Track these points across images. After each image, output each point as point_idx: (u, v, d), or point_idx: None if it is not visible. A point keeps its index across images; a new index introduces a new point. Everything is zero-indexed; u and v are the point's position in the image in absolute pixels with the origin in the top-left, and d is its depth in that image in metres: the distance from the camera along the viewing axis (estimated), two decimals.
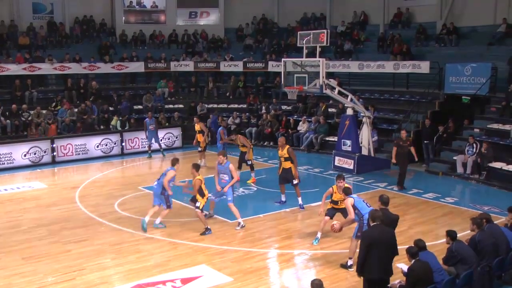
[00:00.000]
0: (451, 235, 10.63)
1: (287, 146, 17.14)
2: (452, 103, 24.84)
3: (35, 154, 24.50)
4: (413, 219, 16.02)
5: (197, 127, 23.88)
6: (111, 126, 28.68)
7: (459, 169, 21.62)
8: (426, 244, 10.27)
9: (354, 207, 12.30)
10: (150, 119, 26.21)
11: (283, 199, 17.64)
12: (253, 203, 17.73)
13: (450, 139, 23.51)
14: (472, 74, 24.18)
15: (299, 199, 17.25)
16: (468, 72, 24.27)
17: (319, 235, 14.18)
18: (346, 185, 13.54)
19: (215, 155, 17.89)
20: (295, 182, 17.07)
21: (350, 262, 12.25)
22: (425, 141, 23.44)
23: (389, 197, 11.43)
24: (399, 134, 20.53)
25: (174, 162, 15.33)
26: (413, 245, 9.93)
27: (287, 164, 17.01)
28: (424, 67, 26.76)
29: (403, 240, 12.89)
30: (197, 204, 14.66)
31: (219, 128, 23.67)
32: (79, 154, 25.62)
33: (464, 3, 30.50)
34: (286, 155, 16.95)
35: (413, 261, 9.60)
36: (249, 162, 20.80)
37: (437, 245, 12.77)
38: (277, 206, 17.37)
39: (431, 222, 15.97)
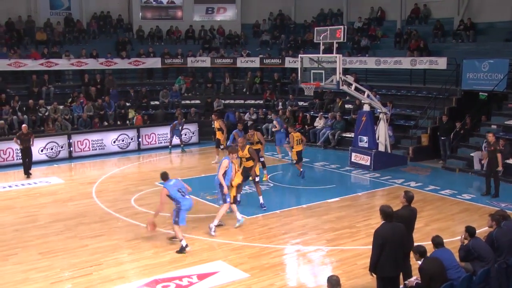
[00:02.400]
0: (470, 231, 10.51)
1: (248, 146, 16.78)
2: (469, 99, 24.68)
3: (52, 149, 24.66)
4: (430, 216, 15.93)
5: (216, 124, 23.56)
6: (128, 121, 28.82)
7: (476, 166, 21.44)
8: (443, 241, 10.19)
9: (170, 197, 13.22)
10: (180, 123, 26.34)
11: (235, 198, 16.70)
12: (269, 199, 17.64)
13: (467, 136, 23.37)
14: (489, 70, 23.95)
15: (260, 197, 16.96)
16: (486, 68, 24.05)
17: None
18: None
19: None
20: (257, 179, 16.80)
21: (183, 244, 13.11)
22: (442, 138, 23.33)
23: (414, 195, 11.21)
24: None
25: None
26: (420, 245, 9.84)
27: (249, 164, 16.67)
28: (441, 63, 26.56)
29: (420, 236, 12.83)
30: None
31: (234, 130, 21.91)
32: (96, 149, 25.80)
33: None
34: (248, 155, 16.60)
35: (422, 259, 9.53)
36: (262, 159, 20.13)
37: (454, 242, 12.64)
38: (294, 202, 17.40)
39: (448, 219, 15.88)
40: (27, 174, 21.76)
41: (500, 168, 18.02)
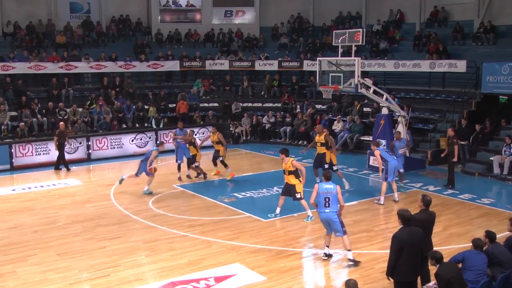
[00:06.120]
0: (490, 236, 10.40)
1: (325, 133, 18.71)
2: (489, 102, 24.49)
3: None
4: (449, 220, 15.80)
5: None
6: (152, 123, 29.27)
7: (496, 170, 21.33)
8: (462, 245, 10.11)
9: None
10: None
11: (318, 181, 18.02)
12: (286, 202, 17.61)
13: (486, 139, 23.21)
14: (509, 73, 23.63)
15: (344, 180, 19.24)
16: (506, 72, 23.78)
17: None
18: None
19: None
20: (335, 168, 18.86)
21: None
22: (461, 142, 23.16)
23: (431, 199, 11.06)
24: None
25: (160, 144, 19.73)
26: (436, 250, 9.77)
27: (322, 150, 18.75)
28: (460, 66, 26.42)
29: (438, 241, 12.75)
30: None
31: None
32: (114, 148, 26.13)
33: (502, 1, 30.10)
34: (323, 141, 18.62)
35: (438, 266, 9.45)
36: (221, 159, 21.37)
37: None
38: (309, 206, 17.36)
39: (467, 223, 15.74)
40: (68, 168, 23.42)
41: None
